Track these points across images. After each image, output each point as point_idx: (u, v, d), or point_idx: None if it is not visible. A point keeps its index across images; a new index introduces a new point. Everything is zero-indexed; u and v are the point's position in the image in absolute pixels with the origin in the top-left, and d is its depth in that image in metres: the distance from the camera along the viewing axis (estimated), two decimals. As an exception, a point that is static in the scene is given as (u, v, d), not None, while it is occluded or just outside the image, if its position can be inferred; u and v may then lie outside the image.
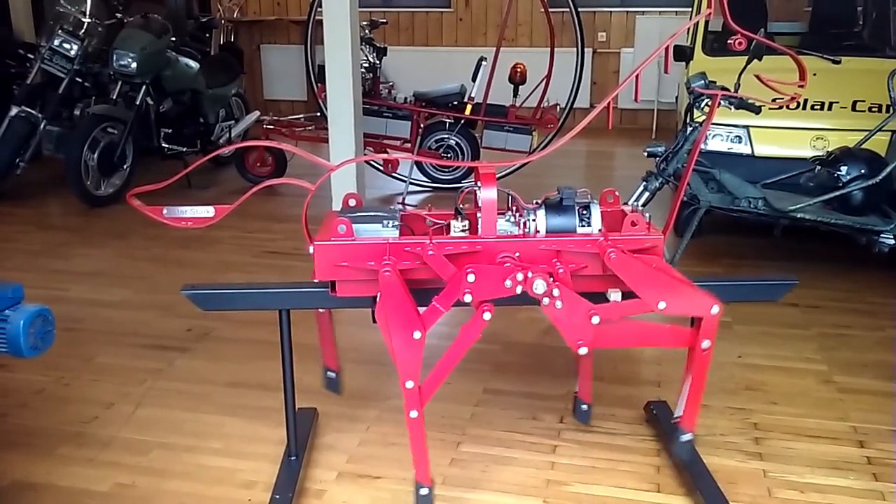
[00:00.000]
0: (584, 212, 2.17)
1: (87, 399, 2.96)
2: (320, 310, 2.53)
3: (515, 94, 6.07)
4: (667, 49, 2.28)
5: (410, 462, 2.52)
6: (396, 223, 2.18)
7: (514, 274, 2.01)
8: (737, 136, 4.41)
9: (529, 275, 2.01)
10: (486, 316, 2.04)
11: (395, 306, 2.01)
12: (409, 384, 2.04)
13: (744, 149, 4.41)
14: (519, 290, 2.02)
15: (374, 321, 2.15)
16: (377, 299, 2.06)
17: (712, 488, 2.32)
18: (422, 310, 2.05)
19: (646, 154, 3.72)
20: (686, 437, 2.20)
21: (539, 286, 2.00)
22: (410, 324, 2.01)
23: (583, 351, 2.07)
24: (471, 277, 2.01)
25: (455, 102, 6.05)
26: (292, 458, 2.47)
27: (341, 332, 2.68)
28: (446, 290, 2.04)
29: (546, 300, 2.02)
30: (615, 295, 2.12)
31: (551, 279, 2.02)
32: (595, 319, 2.04)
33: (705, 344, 2.11)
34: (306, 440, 2.60)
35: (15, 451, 2.60)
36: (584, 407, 2.70)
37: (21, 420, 2.82)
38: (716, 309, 2.07)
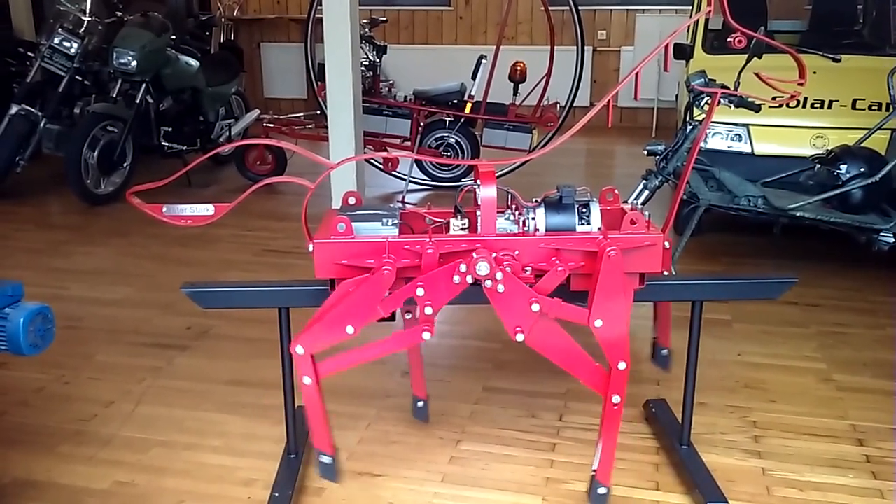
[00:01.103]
0: (584, 210, 2.16)
1: (87, 397, 2.97)
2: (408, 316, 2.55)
3: (515, 92, 6.07)
4: (666, 47, 2.27)
5: (410, 460, 2.54)
6: (396, 221, 2.18)
7: (457, 267, 2.01)
8: (737, 135, 4.42)
9: (474, 256, 2.01)
10: (426, 336, 2.05)
11: (361, 297, 2.02)
12: (300, 349, 2.05)
13: (744, 147, 4.41)
14: (470, 279, 2.02)
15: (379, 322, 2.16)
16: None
17: (711, 486, 2.32)
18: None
19: (645, 152, 3.72)
20: (602, 490, 2.18)
21: (482, 268, 1.99)
22: (355, 317, 2.03)
23: (520, 338, 2.05)
24: (420, 292, 2.03)
25: (455, 101, 6.05)
26: (292, 455, 2.48)
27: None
28: (391, 297, 2.05)
29: (489, 283, 2.02)
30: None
31: (496, 264, 2.02)
32: (535, 307, 2.03)
33: (615, 399, 2.09)
34: (306, 438, 2.60)
35: (15, 449, 2.60)
36: (665, 352, 2.69)
37: (21, 418, 2.82)
38: (622, 365, 2.06)
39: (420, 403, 2.73)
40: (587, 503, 2.33)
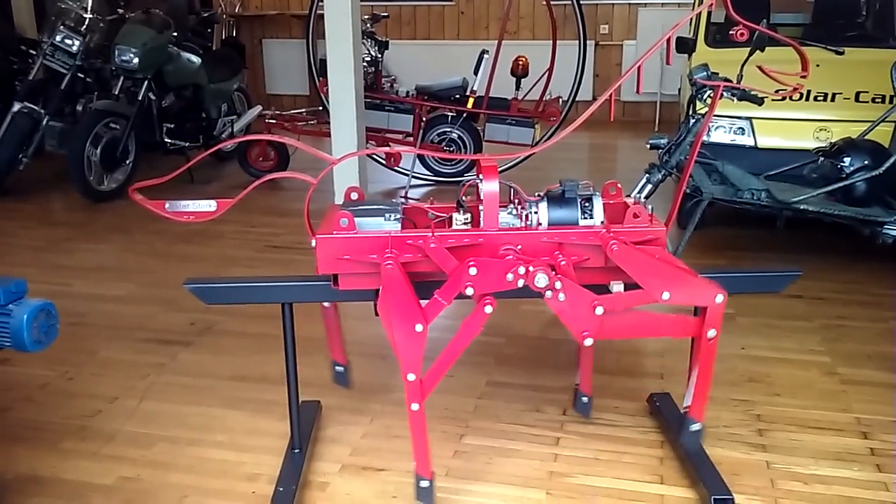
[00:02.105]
0: (587, 204, 2.16)
1: (91, 393, 2.97)
2: (325, 304, 2.54)
3: (517, 87, 6.06)
4: (669, 41, 2.27)
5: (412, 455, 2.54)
6: (398, 216, 2.18)
7: (515, 268, 2.01)
8: (739, 128, 4.41)
9: (531, 268, 2.01)
10: (488, 309, 2.04)
11: (396, 299, 2.01)
12: (411, 377, 2.04)
13: (747, 140, 4.40)
14: (521, 283, 2.02)
15: (377, 314, 2.15)
16: (379, 292, 2.06)
17: (716, 480, 2.32)
18: (423, 303, 2.05)
19: (648, 146, 3.71)
20: (695, 426, 2.18)
21: (541, 280, 2.00)
22: (412, 317, 2.01)
23: (588, 342, 2.07)
24: (472, 271, 2.01)
25: (457, 96, 6.05)
26: (296, 450, 2.48)
27: (343, 325, 2.68)
28: (448, 283, 2.04)
29: (549, 293, 2.02)
30: (617, 286, 2.11)
31: (553, 272, 2.02)
32: (599, 310, 2.03)
33: (711, 333, 2.09)
34: (310, 433, 2.61)
35: (19, 445, 2.61)
36: (585, 399, 2.70)
37: (25, 414, 2.83)
38: (720, 298, 2.06)
39: (340, 368, 2.71)
40: (587, 496, 2.33)
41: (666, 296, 2.05)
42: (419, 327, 2.02)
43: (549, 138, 5.91)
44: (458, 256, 2.07)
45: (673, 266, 2.08)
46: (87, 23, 5.82)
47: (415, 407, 2.07)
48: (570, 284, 2.03)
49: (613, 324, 2.09)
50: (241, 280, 2.39)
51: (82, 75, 5.97)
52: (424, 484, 2.15)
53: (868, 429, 2.70)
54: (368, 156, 6.05)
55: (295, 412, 2.45)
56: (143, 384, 3.04)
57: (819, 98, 4.44)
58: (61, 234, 4.99)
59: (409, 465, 2.48)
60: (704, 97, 3.40)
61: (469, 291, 2.03)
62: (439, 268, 2.07)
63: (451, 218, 2.24)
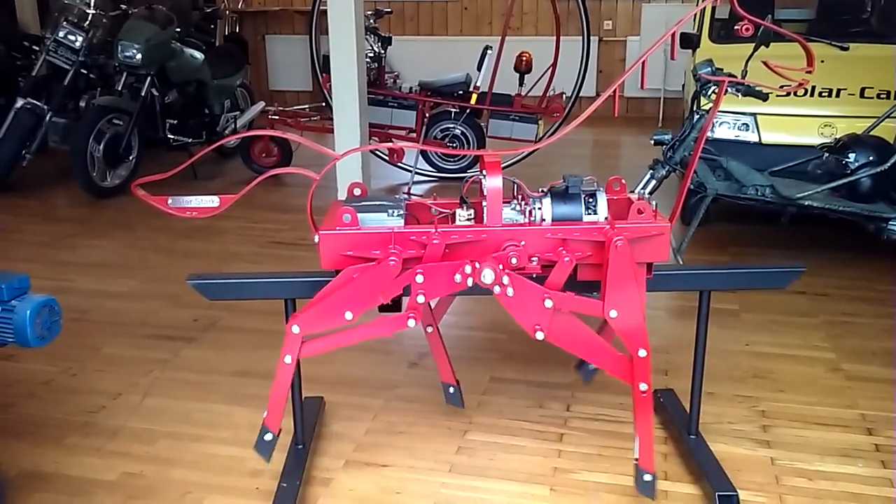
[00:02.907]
0: (590, 200, 2.15)
1: (95, 389, 2.97)
2: (429, 329, 2.58)
3: (521, 83, 6.05)
4: (673, 36, 2.26)
5: (417, 450, 2.54)
6: (402, 212, 2.17)
7: (462, 267, 2.03)
8: (744, 124, 4.39)
9: (477, 265, 2.01)
10: (411, 323, 2.07)
11: (364, 284, 2.03)
12: (296, 329, 2.09)
13: (751, 136, 4.39)
14: (470, 282, 2.03)
15: (380, 310, 2.15)
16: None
17: (720, 476, 2.31)
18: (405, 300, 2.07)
19: (652, 142, 3.70)
20: (647, 477, 2.17)
21: (487, 276, 1.99)
22: (356, 304, 2.05)
23: (540, 336, 2.06)
24: (419, 279, 2.03)
25: (460, 92, 6.03)
26: (299, 446, 2.48)
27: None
28: (391, 283, 2.05)
29: (497, 289, 2.02)
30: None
31: (500, 267, 2.01)
32: (548, 303, 2.03)
33: (643, 387, 2.08)
34: (313, 429, 2.61)
35: (23, 441, 2.61)
36: (591, 367, 2.66)
37: (29, 410, 2.83)
38: (643, 353, 2.06)
39: (451, 389, 2.73)
40: (590, 492, 2.33)
41: (613, 314, 2.04)
42: (349, 315, 2.07)
43: (552, 134, 5.92)
44: (462, 253, 2.07)
45: (640, 298, 2.06)
46: (90, 18, 5.82)
47: (287, 360, 2.11)
48: (517, 279, 2.03)
49: (563, 331, 2.08)
50: (243, 276, 2.38)
51: (85, 71, 5.98)
52: (269, 437, 2.18)
53: (873, 425, 2.69)
54: (371, 152, 6.05)
55: (298, 408, 2.45)
56: (147, 380, 3.04)
57: (824, 94, 4.43)
58: (64, 230, 4.99)
59: (414, 461, 2.50)
60: (709, 93, 3.40)
61: (420, 300, 2.04)
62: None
63: (454, 214, 2.23)
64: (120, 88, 5.75)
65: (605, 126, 8.11)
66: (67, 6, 5.81)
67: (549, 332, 2.07)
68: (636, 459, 2.18)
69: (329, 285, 2.09)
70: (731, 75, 3.16)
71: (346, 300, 2.06)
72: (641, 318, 2.06)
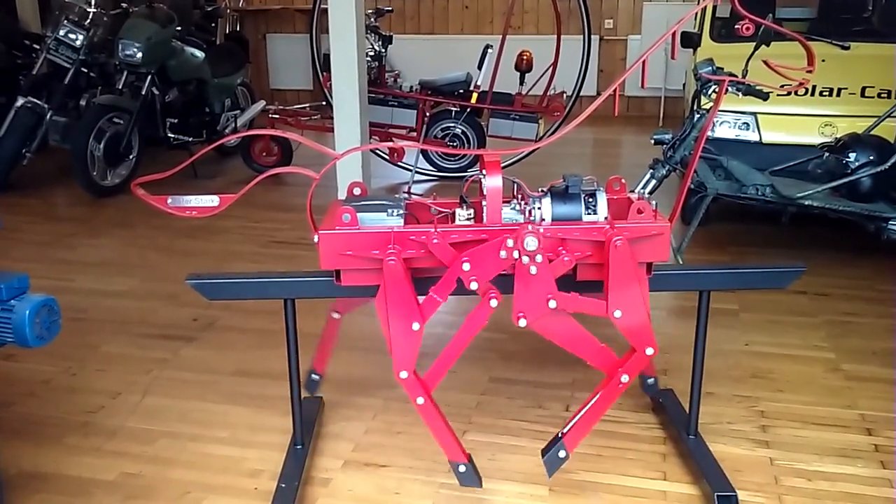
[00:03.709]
0: (590, 199, 2.15)
1: (94, 389, 2.97)
2: (335, 315, 2.56)
3: (521, 81, 6.04)
4: (673, 34, 2.25)
5: (416, 450, 2.54)
6: (401, 212, 2.17)
7: (504, 243, 2.00)
8: (744, 123, 4.39)
9: (513, 242, 1.99)
10: (493, 303, 2.04)
11: (395, 296, 2.01)
12: (404, 374, 2.05)
13: (751, 136, 4.39)
14: (516, 254, 2.00)
15: None
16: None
17: (719, 476, 2.31)
18: (423, 299, 2.04)
19: (653, 141, 3.70)
20: (562, 453, 2.15)
21: (530, 242, 1.97)
22: (409, 314, 2.02)
23: (522, 323, 2.06)
24: (466, 266, 2.02)
25: (461, 91, 6.02)
26: (298, 446, 2.48)
27: (348, 319, 2.68)
28: (443, 280, 2.04)
29: (525, 259, 1.99)
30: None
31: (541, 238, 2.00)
32: (552, 304, 2.03)
33: (624, 378, 2.09)
34: (312, 429, 2.61)
35: (22, 441, 2.61)
36: (316, 377, 2.76)
37: (28, 409, 2.83)
38: (650, 351, 2.06)
39: (315, 377, 2.74)
40: (589, 492, 2.33)
41: (617, 314, 2.04)
42: (416, 325, 2.03)
43: (552, 133, 5.91)
44: (461, 253, 2.07)
45: (643, 297, 2.06)
46: (90, 17, 5.81)
47: (420, 401, 2.08)
48: (545, 266, 2.01)
49: (550, 322, 2.08)
50: (243, 275, 2.38)
51: (86, 70, 5.97)
52: (462, 469, 2.15)
53: (872, 425, 2.69)
54: (372, 151, 6.04)
55: (297, 408, 2.45)
56: (146, 380, 3.04)
57: (824, 93, 4.42)
58: (64, 229, 4.99)
59: (412, 461, 2.49)
60: (709, 92, 3.39)
61: (474, 286, 2.02)
62: (442, 264, 2.06)
63: (454, 213, 2.23)
64: (120, 87, 5.74)
65: (606, 125, 8.11)
66: (68, 5, 5.81)
67: (532, 323, 2.06)
68: (563, 433, 2.15)
69: (383, 325, 2.06)
70: (731, 74, 3.15)
71: (398, 318, 2.02)
72: (646, 316, 2.06)
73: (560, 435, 2.16)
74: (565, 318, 2.10)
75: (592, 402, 2.14)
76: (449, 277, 2.03)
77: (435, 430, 2.12)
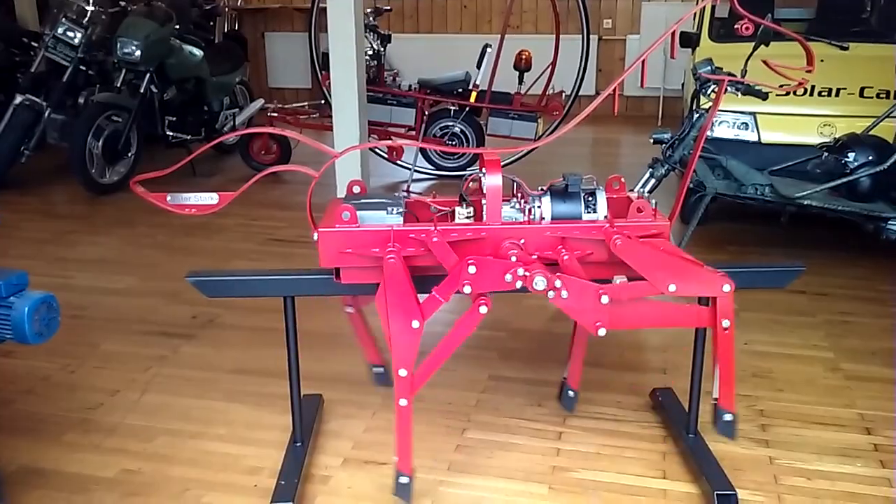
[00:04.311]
0: (590, 198, 2.15)
1: (93, 386, 2.97)
2: (349, 310, 2.53)
3: (520, 81, 6.04)
4: (673, 35, 2.26)
5: (416, 449, 2.51)
6: (401, 210, 2.17)
7: (515, 269, 2.01)
8: (743, 123, 4.39)
9: (529, 273, 2.00)
10: (483, 310, 2.05)
11: (396, 294, 2.01)
12: (403, 372, 2.04)
13: (750, 135, 4.39)
14: (519, 284, 2.02)
15: None
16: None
17: (718, 475, 2.31)
18: (423, 297, 2.04)
19: (652, 141, 3.70)
20: (728, 416, 2.17)
21: (539, 283, 1.99)
22: (409, 312, 2.01)
23: (602, 332, 2.06)
24: (472, 269, 2.01)
25: (460, 90, 6.03)
26: (297, 444, 2.48)
27: (344, 317, 2.67)
28: (446, 280, 2.04)
29: (551, 293, 2.01)
30: (621, 280, 2.10)
31: (552, 273, 2.01)
32: (605, 299, 2.02)
33: (725, 323, 2.10)
34: (311, 426, 2.61)
35: (21, 438, 2.61)
36: (571, 393, 2.71)
37: (27, 407, 2.83)
38: (727, 287, 2.06)
39: (381, 370, 2.67)
40: (589, 490, 2.33)
41: (672, 288, 2.04)
42: (415, 323, 2.02)
43: (551, 133, 5.91)
44: (461, 251, 2.07)
45: (678, 257, 2.07)
46: (89, 15, 5.80)
47: (403, 402, 2.07)
48: (570, 281, 2.02)
49: (626, 314, 2.08)
50: (242, 273, 2.38)
51: (84, 68, 5.95)
52: (404, 480, 2.15)
53: (871, 425, 2.69)
54: (371, 149, 6.04)
55: (297, 406, 2.45)
56: (145, 377, 3.04)
57: (823, 93, 4.43)
58: (63, 227, 4.98)
59: (412, 460, 2.48)
60: (708, 92, 3.39)
61: (467, 290, 2.02)
62: (441, 263, 2.06)
63: (453, 212, 2.23)
64: (119, 85, 5.73)
65: (605, 124, 8.11)
66: (67, 3, 5.79)
67: (610, 325, 2.06)
68: (715, 400, 2.17)
69: (383, 322, 2.05)
70: (730, 74, 3.15)
71: (399, 315, 2.02)
72: (697, 268, 2.06)
73: (715, 402, 2.17)
74: (638, 306, 2.10)
75: (718, 361, 2.14)
76: (453, 278, 2.03)
77: (401, 434, 2.11)
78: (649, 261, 2.04)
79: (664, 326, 2.15)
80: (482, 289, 2.05)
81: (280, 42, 9.73)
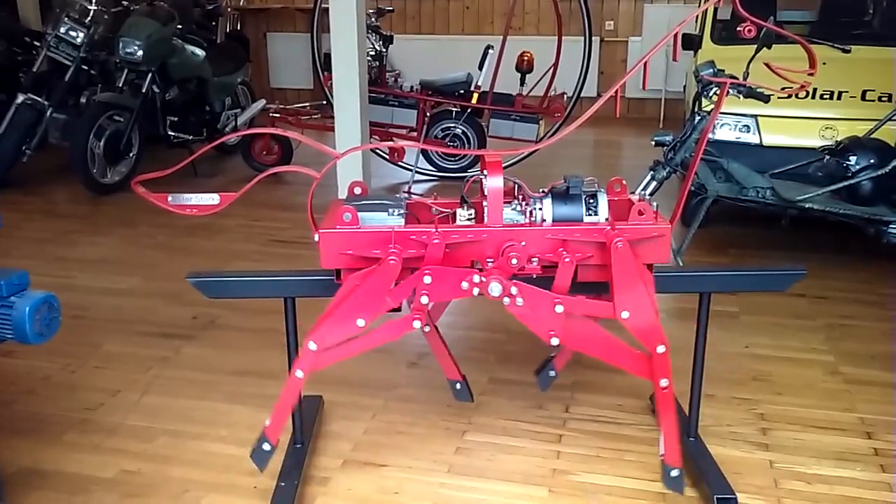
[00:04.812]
0: (591, 201, 2.15)
1: (94, 386, 2.97)
2: (426, 329, 2.48)
3: (522, 82, 6.04)
4: (675, 36, 2.26)
5: (416, 450, 2.54)
6: (402, 212, 2.17)
7: (470, 276, 2.02)
8: (745, 126, 4.39)
9: (485, 279, 2.01)
10: (416, 325, 2.05)
11: (370, 291, 2.03)
12: (313, 346, 2.06)
13: (752, 138, 4.39)
14: (476, 291, 2.03)
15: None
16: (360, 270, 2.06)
17: (718, 479, 2.31)
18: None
19: (653, 143, 3.70)
20: (675, 472, 2.15)
21: (494, 289, 2.00)
22: (366, 311, 2.04)
23: (555, 342, 2.06)
24: (427, 279, 2.02)
25: (461, 91, 6.02)
26: (298, 445, 2.48)
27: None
28: (400, 287, 2.05)
29: (506, 300, 2.03)
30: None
31: (508, 279, 2.02)
32: (559, 308, 2.03)
33: (663, 383, 2.08)
34: (312, 428, 2.61)
35: (21, 438, 2.61)
36: (552, 373, 2.71)
37: (28, 407, 2.83)
38: (661, 349, 2.06)
39: (458, 385, 2.66)
40: (589, 493, 2.33)
41: (625, 315, 2.05)
42: (360, 322, 2.05)
43: (553, 134, 5.91)
44: (462, 253, 2.07)
45: (649, 296, 2.06)
46: (91, 15, 5.81)
47: (299, 374, 2.09)
48: (525, 288, 2.03)
49: (578, 334, 2.09)
50: (243, 274, 2.38)
51: (86, 67, 5.97)
52: (267, 447, 2.16)
53: (871, 429, 2.69)
54: (372, 150, 6.04)
55: (297, 407, 2.44)
56: (146, 378, 3.04)
57: (825, 96, 4.42)
58: (64, 227, 4.99)
59: (412, 461, 2.49)
60: (710, 94, 3.38)
61: (424, 300, 2.04)
62: (441, 263, 2.06)
63: (454, 214, 2.23)
64: (121, 85, 5.74)
65: (607, 127, 8.10)
66: (69, 2, 5.80)
67: (563, 337, 2.06)
68: (662, 455, 2.17)
69: (336, 296, 2.08)
70: (732, 77, 3.15)
71: (356, 308, 2.04)
72: (654, 315, 2.06)
73: (662, 458, 2.17)
74: (595, 329, 2.10)
75: (660, 418, 2.14)
76: (406, 286, 2.05)
77: (283, 403, 2.13)
78: (628, 278, 2.03)
79: (608, 362, 2.13)
80: (439, 297, 2.08)
81: (282, 42, 9.73)
